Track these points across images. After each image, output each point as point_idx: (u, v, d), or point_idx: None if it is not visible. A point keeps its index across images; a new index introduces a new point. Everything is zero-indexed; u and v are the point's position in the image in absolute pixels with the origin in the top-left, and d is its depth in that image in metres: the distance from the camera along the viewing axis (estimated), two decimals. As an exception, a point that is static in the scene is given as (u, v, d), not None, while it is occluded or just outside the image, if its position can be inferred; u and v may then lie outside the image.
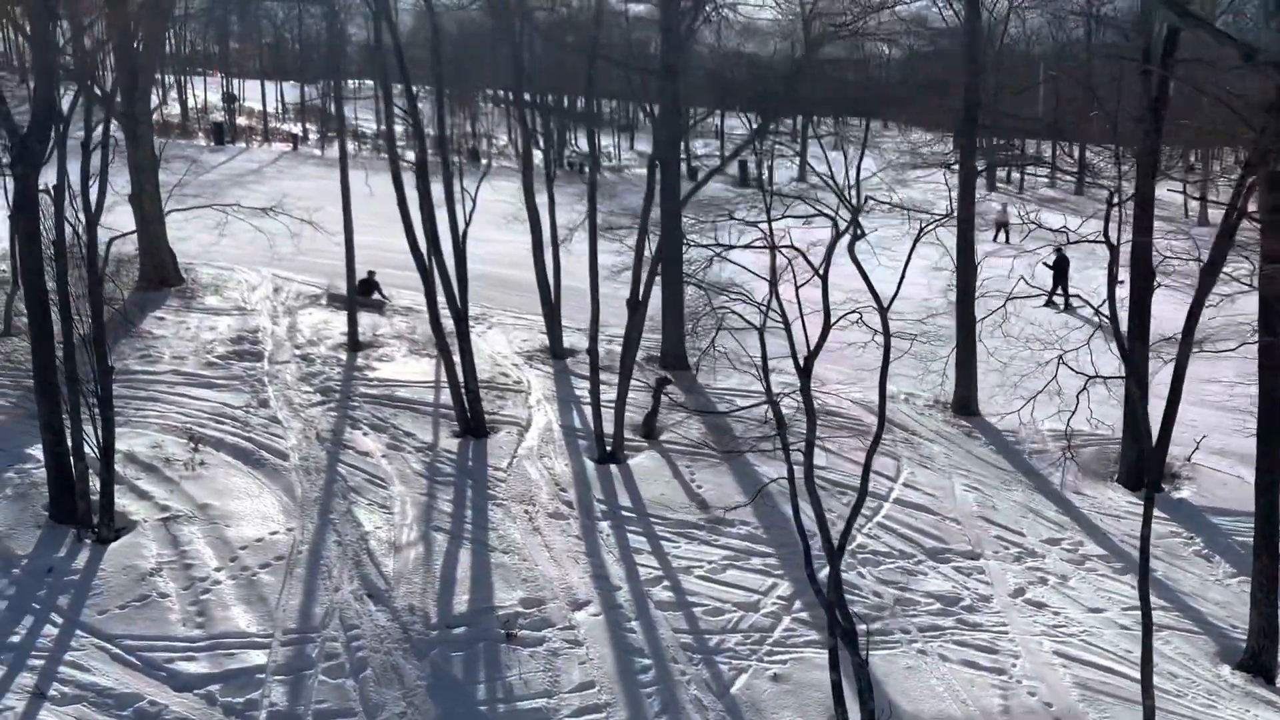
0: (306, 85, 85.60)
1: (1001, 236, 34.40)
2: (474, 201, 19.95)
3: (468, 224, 19.31)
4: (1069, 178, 43.22)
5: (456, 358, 18.75)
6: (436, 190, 19.09)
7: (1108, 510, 18.40)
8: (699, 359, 15.05)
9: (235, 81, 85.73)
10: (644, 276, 18.71)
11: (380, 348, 22.88)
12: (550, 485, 17.27)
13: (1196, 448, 20.09)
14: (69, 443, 14.48)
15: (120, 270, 21.94)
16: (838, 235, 11.46)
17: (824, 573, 12.47)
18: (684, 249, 19.95)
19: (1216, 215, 24.17)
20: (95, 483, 14.59)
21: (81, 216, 14.40)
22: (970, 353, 21.82)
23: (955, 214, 13.39)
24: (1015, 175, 61.85)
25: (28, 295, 14.25)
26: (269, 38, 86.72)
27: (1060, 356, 13.09)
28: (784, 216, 11.85)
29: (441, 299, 18.93)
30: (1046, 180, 51.58)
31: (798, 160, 72.26)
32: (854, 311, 11.33)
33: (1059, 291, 28.25)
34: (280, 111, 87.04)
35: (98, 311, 14.27)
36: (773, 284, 11.29)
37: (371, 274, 25.76)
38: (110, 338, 15.48)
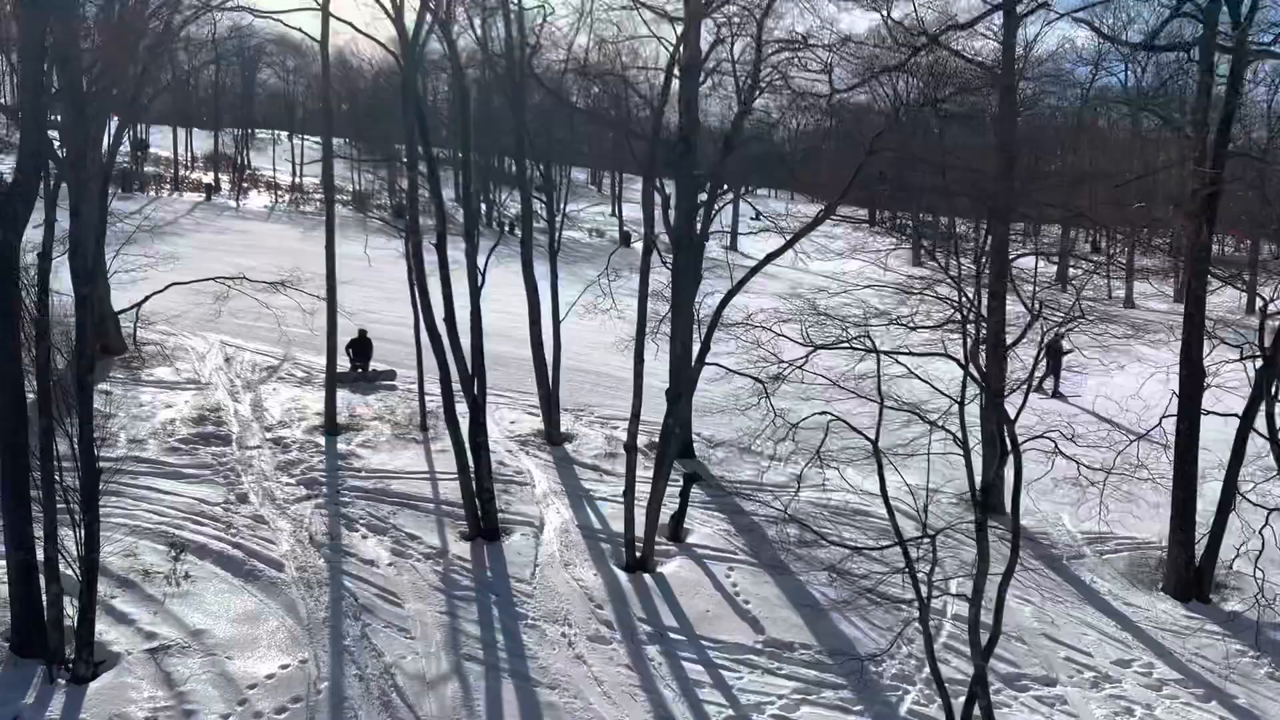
0: (220, 133, 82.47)
1: (1050, 382, 28.28)
2: (482, 276, 18.12)
3: (476, 298, 17.46)
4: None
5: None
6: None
7: (1165, 625, 17.28)
8: (802, 469, 13.36)
9: (140, 127, 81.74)
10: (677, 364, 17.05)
11: (361, 431, 20.68)
12: (583, 600, 15.35)
13: (1238, 555, 19.22)
14: (39, 556, 12.06)
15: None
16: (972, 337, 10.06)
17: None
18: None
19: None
20: (70, 607, 12.17)
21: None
22: (995, 449, 20.63)
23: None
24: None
25: (0, 381, 11.88)
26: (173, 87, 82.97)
27: (1239, 492, 11.88)
28: (945, 324, 10.41)
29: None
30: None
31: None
32: (1049, 434, 9.89)
33: (1050, 378, 27.69)
34: (190, 160, 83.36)
35: (86, 402, 11.99)
36: (962, 404, 9.81)
37: (363, 332, 23.62)
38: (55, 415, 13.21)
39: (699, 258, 16.20)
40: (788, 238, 18.06)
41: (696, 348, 18.22)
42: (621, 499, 18.99)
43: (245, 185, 75.37)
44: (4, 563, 12.59)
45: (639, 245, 65.38)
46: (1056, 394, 27.72)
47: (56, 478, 11.76)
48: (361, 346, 23.89)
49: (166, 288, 13.84)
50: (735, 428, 20.66)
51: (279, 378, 23.63)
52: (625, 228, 67.71)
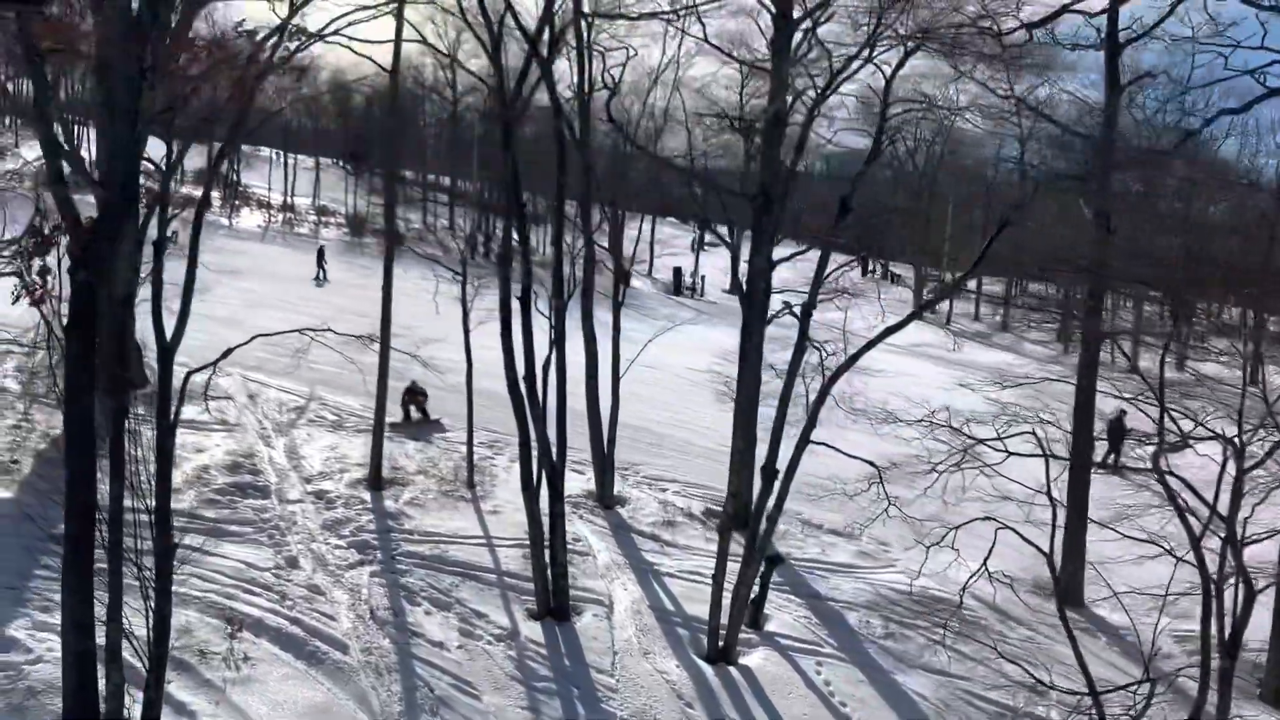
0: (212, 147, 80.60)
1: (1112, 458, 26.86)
2: (555, 329, 16.85)
3: (561, 354, 16.19)
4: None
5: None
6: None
7: (1274, 741, 16.22)
8: (967, 583, 12.13)
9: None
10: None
11: (406, 486, 19.26)
12: (671, 697, 14.04)
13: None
14: (97, 641, 10.59)
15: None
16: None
17: None
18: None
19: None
20: (128, 698, 10.71)
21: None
22: (1081, 535, 19.58)
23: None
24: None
25: (70, 440, 10.45)
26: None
27: None
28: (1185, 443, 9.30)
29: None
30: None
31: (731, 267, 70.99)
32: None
33: (1113, 454, 26.81)
34: (180, 174, 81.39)
35: (165, 467, 10.62)
36: (1198, 541, 8.68)
37: (415, 385, 22.29)
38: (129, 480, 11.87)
39: (805, 325, 14.98)
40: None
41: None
42: (689, 576, 17.85)
43: (237, 203, 73.62)
44: (57, 644, 11.16)
45: (638, 285, 64.15)
46: (1119, 469, 26.75)
47: (131, 553, 10.35)
48: (414, 395, 22.66)
49: (251, 339, 12.59)
50: (845, 513, 19.48)
51: (309, 420, 22.18)
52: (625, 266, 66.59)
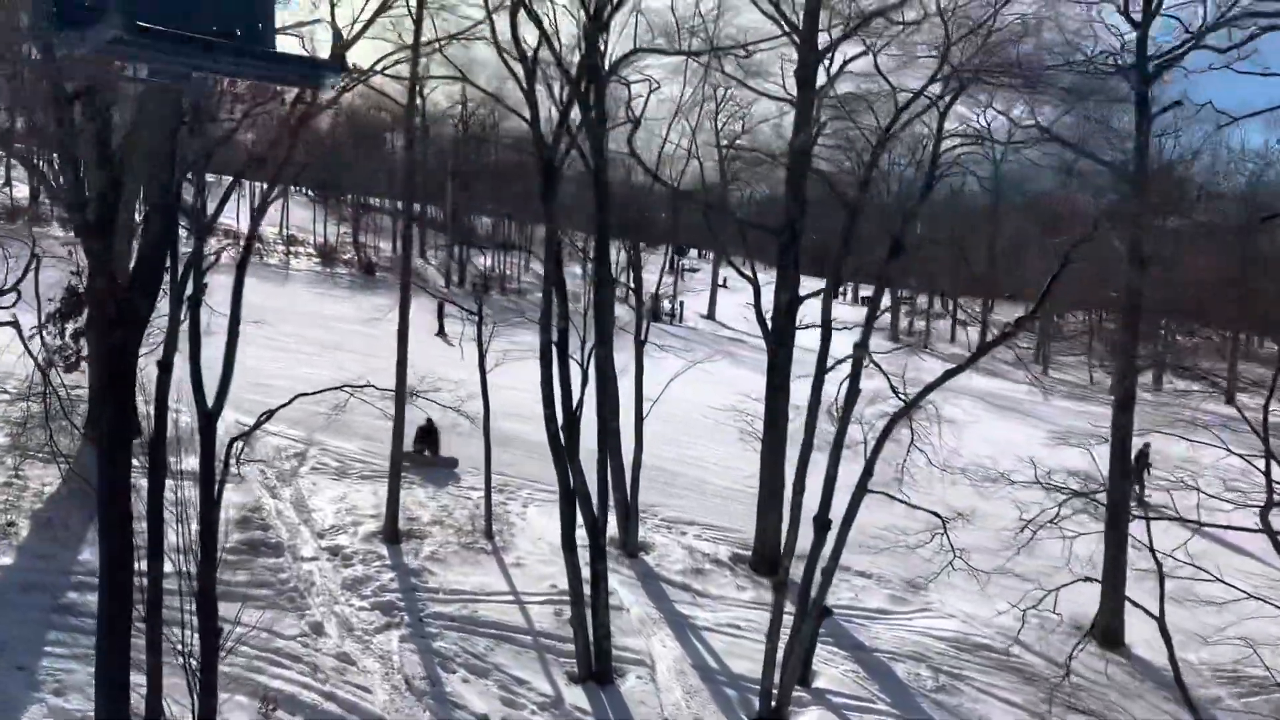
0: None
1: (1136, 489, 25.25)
2: (584, 372, 16.11)
3: (602, 401, 15.46)
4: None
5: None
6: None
7: (1336, 790, 15.70)
8: (1075, 648, 11.47)
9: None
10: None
11: (424, 539, 18.33)
12: (729, 766, 13.28)
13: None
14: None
15: (60, 410, 16.72)
16: None
17: None
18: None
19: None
20: (169, 799, 9.78)
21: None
22: (1121, 574, 19.05)
23: None
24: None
25: (105, 516, 9.54)
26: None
27: None
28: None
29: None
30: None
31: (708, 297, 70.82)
32: None
33: (1136, 487, 26.34)
34: (142, 204, 79.57)
35: (210, 547, 9.73)
36: None
37: (431, 421, 21.26)
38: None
39: (858, 366, 14.31)
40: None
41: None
42: (727, 630, 17.16)
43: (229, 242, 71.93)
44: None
45: (619, 312, 63.47)
46: (1143, 502, 26.25)
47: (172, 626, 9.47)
48: (429, 435, 21.72)
49: (293, 400, 11.82)
50: (907, 564, 18.84)
51: (312, 468, 21.18)
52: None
